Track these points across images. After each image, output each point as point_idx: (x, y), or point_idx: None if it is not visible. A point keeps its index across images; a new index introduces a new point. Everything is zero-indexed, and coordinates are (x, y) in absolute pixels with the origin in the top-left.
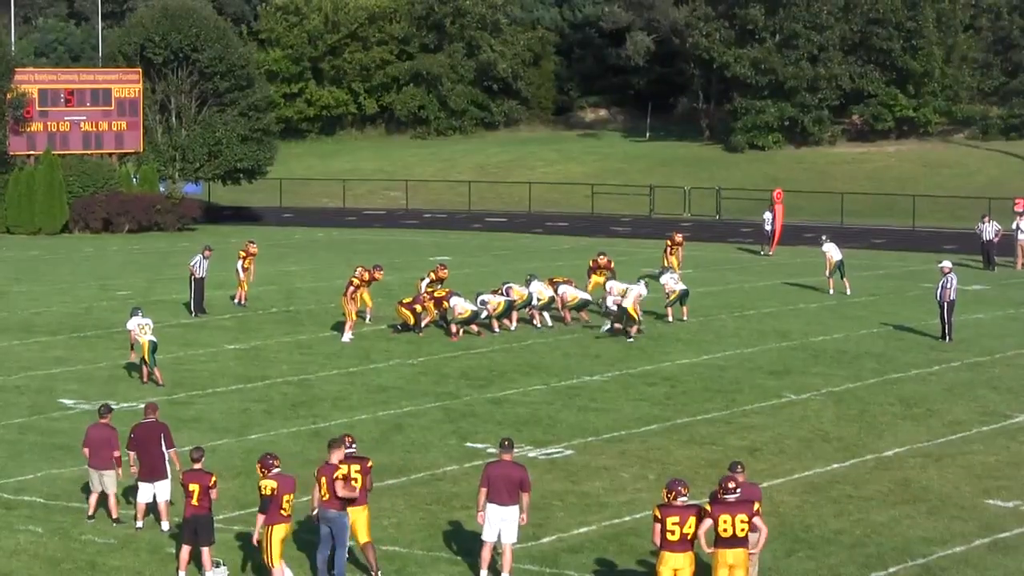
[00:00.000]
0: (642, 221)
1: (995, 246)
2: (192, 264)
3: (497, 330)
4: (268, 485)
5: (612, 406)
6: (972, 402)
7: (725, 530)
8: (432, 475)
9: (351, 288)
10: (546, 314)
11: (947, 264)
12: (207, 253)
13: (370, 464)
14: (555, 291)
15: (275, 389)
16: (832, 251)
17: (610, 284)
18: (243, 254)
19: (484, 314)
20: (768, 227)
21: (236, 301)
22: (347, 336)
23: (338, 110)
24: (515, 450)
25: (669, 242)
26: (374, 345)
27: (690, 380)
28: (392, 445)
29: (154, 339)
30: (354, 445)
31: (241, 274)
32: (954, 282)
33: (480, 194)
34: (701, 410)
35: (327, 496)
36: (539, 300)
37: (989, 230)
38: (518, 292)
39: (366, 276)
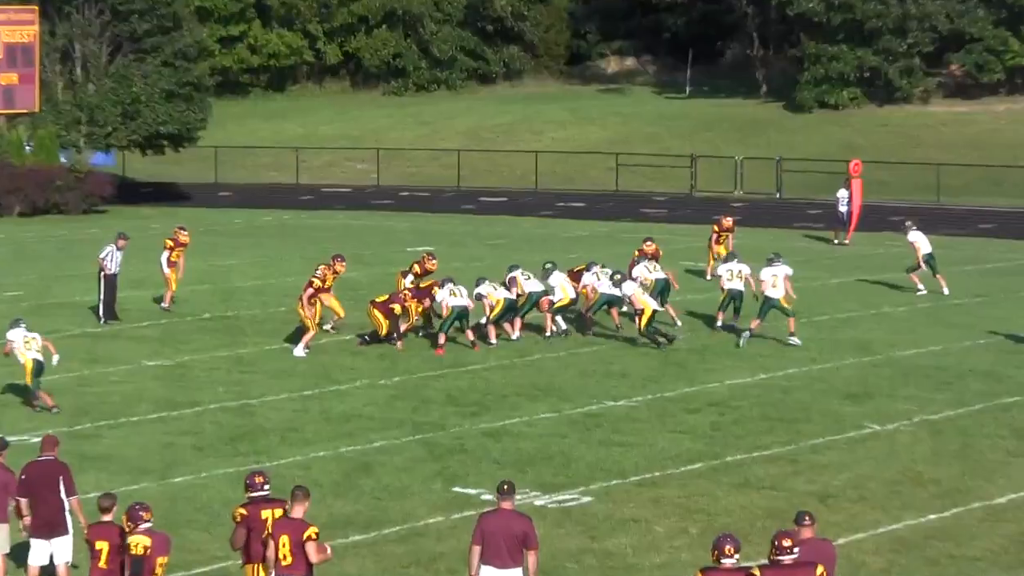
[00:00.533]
0: (681, 200)
1: None
2: (102, 257)
3: (494, 341)
4: (139, 543)
5: (643, 440)
6: None
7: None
8: (411, 529)
9: (310, 291)
10: (559, 318)
11: None
12: (121, 243)
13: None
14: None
15: (207, 418)
16: (920, 241)
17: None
18: (171, 244)
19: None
20: (843, 208)
21: (161, 304)
22: (301, 350)
23: (290, 59)
24: (517, 497)
25: (716, 228)
26: (335, 361)
27: (744, 406)
28: (358, 491)
29: (39, 357)
30: (267, 486)
31: (167, 270)
32: None
33: (472, 166)
34: (758, 445)
35: (290, 561)
36: (560, 300)
37: None
38: (522, 285)
39: (330, 277)
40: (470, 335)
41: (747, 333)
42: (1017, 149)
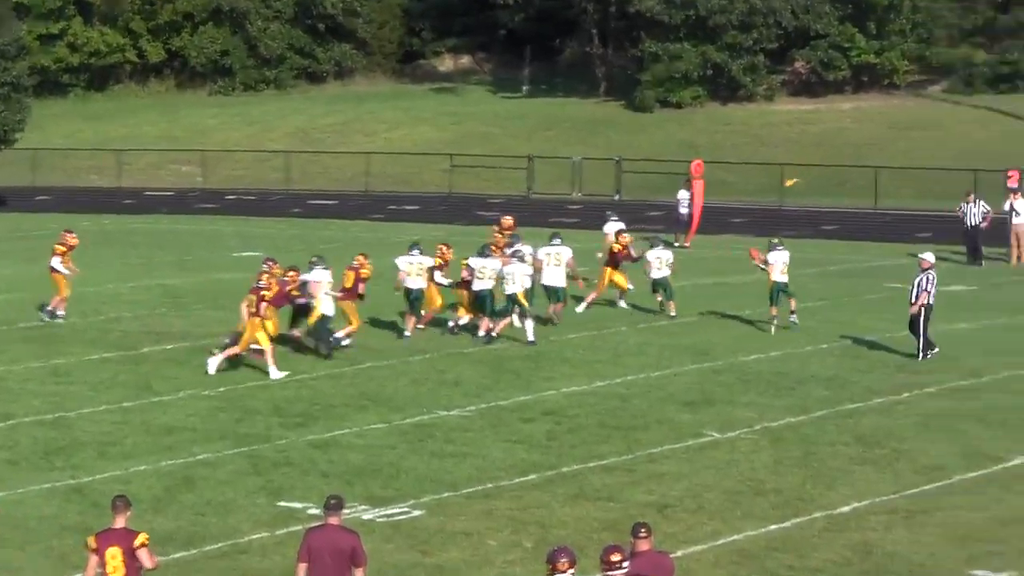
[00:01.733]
0: (518, 202)
1: (982, 233)
2: None
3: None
4: None
5: (476, 450)
6: (953, 441)
7: None
8: (234, 545)
9: (259, 302)
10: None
11: (929, 257)
12: None
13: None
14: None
15: (22, 431)
16: (779, 262)
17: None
18: (62, 249)
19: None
20: (684, 210)
21: (47, 309)
22: (274, 372)
23: (112, 57)
24: (345, 511)
25: (497, 228)
26: (157, 371)
27: (580, 414)
28: (179, 506)
29: None
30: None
31: (65, 271)
32: (933, 282)
33: (302, 168)
34: (594, 454)
35: (123, 572)
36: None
37: (975, 212)
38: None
39: (274, 282)
40: (344, 337)
41: (775, 320)
42: (862, 148)
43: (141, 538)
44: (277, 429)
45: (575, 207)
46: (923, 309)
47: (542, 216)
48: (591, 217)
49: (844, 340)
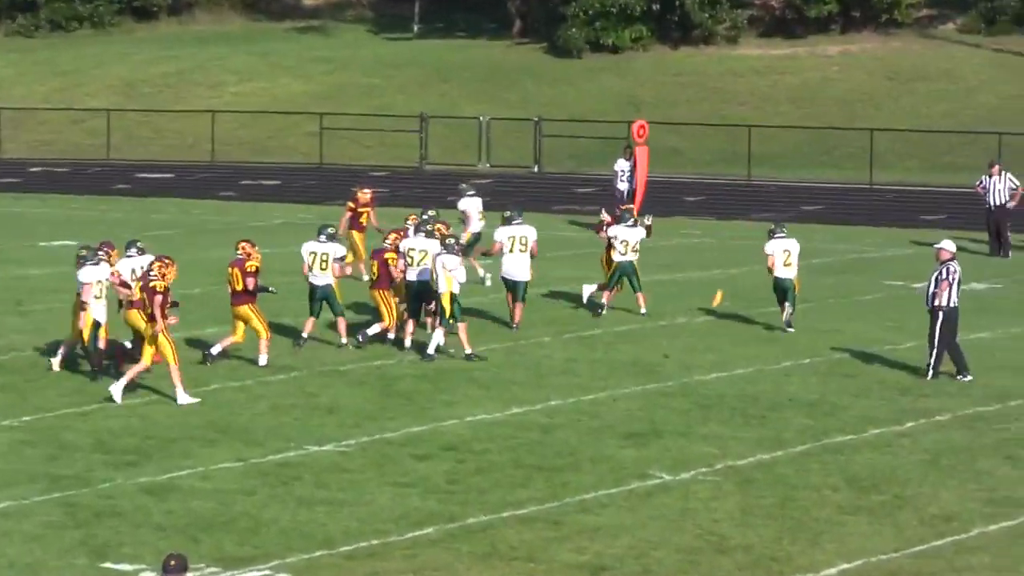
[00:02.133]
0: (407, 177)
1: (1009, 215)
2: None
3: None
4: None
5: (356, 497)
6: (972, 483)
7: None
8: None
9: (158, 299)
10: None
11: (948, 246)
12: None
13: None
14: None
15: None
16: (778, 252)
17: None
18: None
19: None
20: (623, 185)
21: None
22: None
23: None
24: (189, 575)
25: (351, 204)
26: None
27: (491, 450)
28: None
29: None
30: None
31: None
32: (956, 277)
33: (128, 132)
34: (509, 501)
35: None
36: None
37: (1000, 189)
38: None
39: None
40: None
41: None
42: (853, 105)
43: None
44: (100, 469)
45: (483, 181)
46: (941, 313)
47: (438, 193)
48: (503, 194)
49: (831, 354)
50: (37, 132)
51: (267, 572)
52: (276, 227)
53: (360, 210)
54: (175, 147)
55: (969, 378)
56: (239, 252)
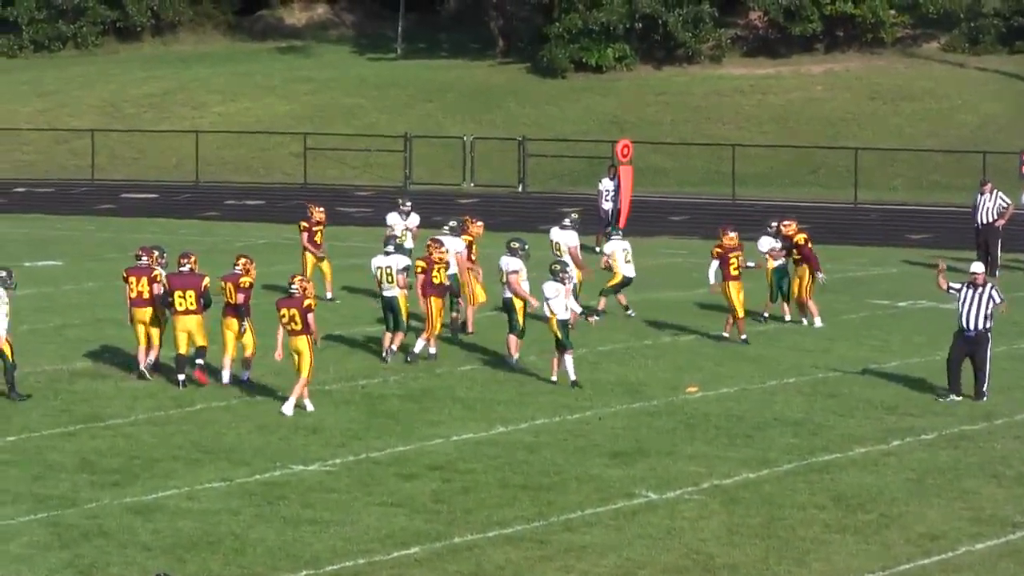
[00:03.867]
0: (392, 195)
1: (998, 234)
2: None
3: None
4: None
5: (342, 516)
6: (957, 501)
7: None
8: None
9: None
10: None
11: (979, 268)
12: None
13: None
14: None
15: None
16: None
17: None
18: None
19: None
20: (607, 204)
21: None
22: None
23: None
24: None
25: (304, 224)
26: None
27: (476, 469)
28: None
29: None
30: None
31: None
32: (999, 298)
33: (112, 152)
34: (495, 521)
35: None
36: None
37: (989, 207)
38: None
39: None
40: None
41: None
42: (838, 125)
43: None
44: (86, 489)
45: (467, 200)
46: (978, 335)
47: (424, 213)
48: (487, 213)
49: (816, 372)
50: (21, 152)
51: None
52: (260, 246)
53: (314, 228)
54: (159, 167)
55: (959, 399)
56: (237, 266)
